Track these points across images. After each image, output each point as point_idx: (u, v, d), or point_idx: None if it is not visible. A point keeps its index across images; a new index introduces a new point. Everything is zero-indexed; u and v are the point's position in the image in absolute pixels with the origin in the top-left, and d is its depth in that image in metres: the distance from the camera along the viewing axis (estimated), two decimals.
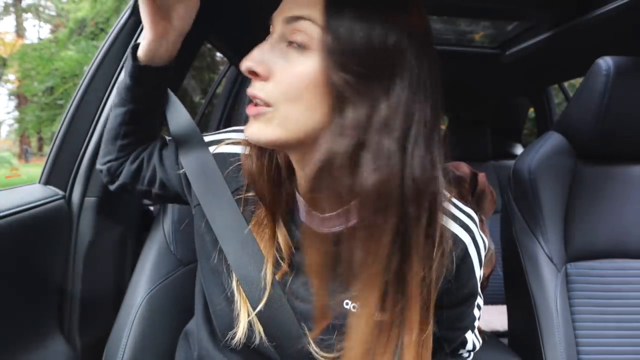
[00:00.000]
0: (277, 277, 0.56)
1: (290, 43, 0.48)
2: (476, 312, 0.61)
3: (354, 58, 0.45)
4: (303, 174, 0.55)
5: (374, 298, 0.49)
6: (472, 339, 0.62)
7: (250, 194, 0.59)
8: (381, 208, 0.47)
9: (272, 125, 0.49)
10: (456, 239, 0.55)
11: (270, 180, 0.56)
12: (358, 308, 0.52)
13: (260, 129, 0.50)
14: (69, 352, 0.85)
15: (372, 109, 0.46)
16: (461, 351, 0.63)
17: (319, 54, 0.46)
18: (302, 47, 0.47)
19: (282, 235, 0.57)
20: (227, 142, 0.64)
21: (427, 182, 0.48)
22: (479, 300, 0.62)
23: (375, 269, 0.48)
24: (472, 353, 0.65)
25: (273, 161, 0.57)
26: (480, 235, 0.58)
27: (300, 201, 0.57)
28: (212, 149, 0.64)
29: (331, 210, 0.53)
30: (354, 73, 0.45)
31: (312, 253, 0.54)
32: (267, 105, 0.49)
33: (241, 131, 0.64)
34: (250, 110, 0.50)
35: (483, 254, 0.58)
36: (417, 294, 0.50)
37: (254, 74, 0.49)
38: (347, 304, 0.55)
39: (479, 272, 0.58)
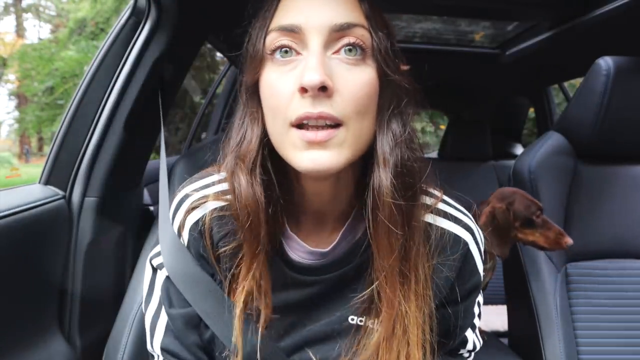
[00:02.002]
0: (261, 327, 0.51)
1: (349, 50, 0.44)
2: (476, 308, 0.61)
3: (393, 56, 0.47)
4: (322, 194, 0.50)
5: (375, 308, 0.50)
6: (473, 339, 0.62)
7: (228, 247, 0.51)
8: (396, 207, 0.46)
9: (344, 148, 0.43)
10: (457, 239, 0.55)
11: (265, 218, 0.47)
12: (366, 320, 0.52)
13: (334, 157, 0.43)
14: (69, 352, 0.85)
15: (403, 106, 0.48)
16: (461, 351, 0.63)
17: (374, 59, 0.46)
18: (362, 54, 0.45)
19: (265, 279, 0.50)
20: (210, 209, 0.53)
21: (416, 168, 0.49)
22: (479, 297, 0.61)
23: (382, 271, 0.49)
24: (472, 353, 0.65)
25: (264, 197, 0.47)
26: (478, 230, 0.58)
27: (291, 237, 0.53)
28: (198, 214, 0.53)
29: (329, 231, 0.53)
30: (396, 71, 0.47)
31: (301, 289, 0.53)
32: (338, 124, 0.43)
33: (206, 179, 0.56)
34: (319, 135, 0.42)
35: (483, 248, 0.58)
36: (416, 299, 0.50)
37: (323, 89, 0.42)
38: (352, 319, 0.54)
39: (481, 267, 0.58)
